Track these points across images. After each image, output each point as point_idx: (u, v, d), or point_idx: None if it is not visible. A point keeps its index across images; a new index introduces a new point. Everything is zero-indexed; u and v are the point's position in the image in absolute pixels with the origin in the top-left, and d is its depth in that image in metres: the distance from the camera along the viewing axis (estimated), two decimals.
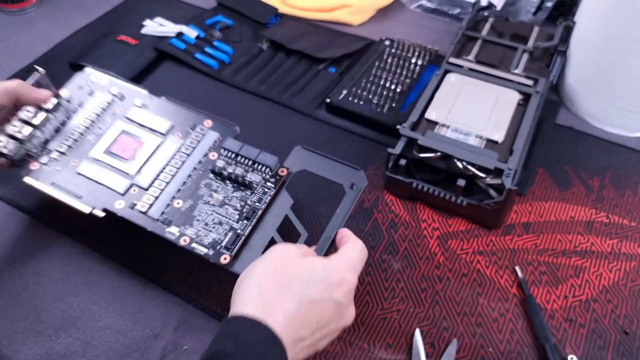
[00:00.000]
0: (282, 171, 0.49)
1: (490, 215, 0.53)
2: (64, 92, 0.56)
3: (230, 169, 0.49)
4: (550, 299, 0.50)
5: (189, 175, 0.50)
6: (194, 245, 0.46)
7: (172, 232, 0.47)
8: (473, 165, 0.53)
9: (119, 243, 0.55)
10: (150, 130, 0.53)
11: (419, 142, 0.54)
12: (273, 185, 0.48)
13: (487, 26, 0.70)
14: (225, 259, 0.45)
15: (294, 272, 0.38)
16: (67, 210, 0.57)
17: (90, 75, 0.57)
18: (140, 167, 0.51)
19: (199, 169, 0.50)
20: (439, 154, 0.54)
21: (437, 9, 0.85)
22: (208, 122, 0.52)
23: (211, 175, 0.50)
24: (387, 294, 0.51)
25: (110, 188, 0.50)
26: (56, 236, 0.56)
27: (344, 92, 0.68)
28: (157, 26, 0.79)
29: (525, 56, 0.65)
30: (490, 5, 0.73)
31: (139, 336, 0.48)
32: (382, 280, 0.52)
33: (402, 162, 0.55)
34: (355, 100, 0.67)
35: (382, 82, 0.69)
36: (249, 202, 0.48)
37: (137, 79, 0.71)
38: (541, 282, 0.51)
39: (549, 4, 0.79)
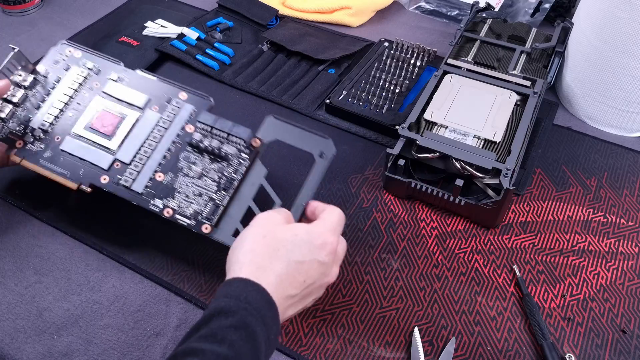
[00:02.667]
0: (256, 142, 0.50)
1: (488, 214, 0.54)
2: (40, 67, 0.56)
3: (206, 142, 0.50)
4: (548, 297, 0.50)
5: (169, 149, 0.51)
6: (177, 216, 0.49)
7: (156, 204, 0.49)
8: (471, 165, 0.53)
9: (120, 242, 0.55)
10: (128, 105, 0.53)
11: (417, 142, 0.55)
12: (248, 157, 0.50)
13: (485, 27, 0.71)
14: (206, 228, 0.48)
15: (280, 238, 0.42)
16: (68, 209, 0.58)
17: (65, 49, 0.57)
18: (121, 142, 0.52)
19: (177, 142, 0.51)
20: (437, 154, 0.54)
21: (436, 10, 0.86)
22: (183, 95, 0.53)
23: (189, 148, 0.51)
24: (386, 293, 0.51)
25: (94, 164, 0.52)
26: (58, 235, 0.56)
27: (344, 93, 0.68)
28: (158, 28, 0.79)
29: (523, 57, 0.65)
30: (488, 7, 0.73)
31: (141, 335, 0.48)
32: (381, 279, 0.52)
33: (401, 162, 0.56)
34: (355, 101, 0.67)
35: (381, 83, 0.69)
36: (225, 173, 0.50)
37: None
38: (539, 281, 0.51)
39: (547, 6, 0.80)
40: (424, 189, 0.55)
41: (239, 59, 0.76)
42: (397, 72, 0.71)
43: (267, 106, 0.69)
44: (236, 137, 0.50)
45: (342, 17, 0.82)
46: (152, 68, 0.74)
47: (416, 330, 0.48)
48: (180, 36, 0.78)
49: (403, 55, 0.73)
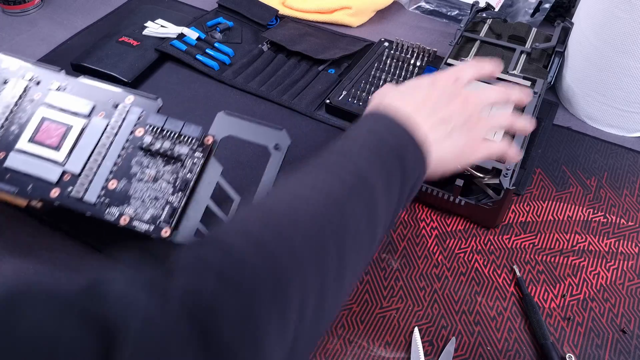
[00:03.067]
0: (208, 140, 0.50)
1: (488, 214, 0.54)
2: None
3: (158, 144, 0.49)
4: (548, 297, 0.50)
5: (119, 155, 0.50)
6: (134, 223, 0.48)
7: (111, 213, 0.48)
8: (471, 165, 0.53)
9: (120, 242, 0.55)
10: (73, 114, 0.52)
11: None
12: (201, 155, 0.49)
13: (485, 27, 0.71)
14: (165, 232, 0.47)
15: (405, 86, 0.46)
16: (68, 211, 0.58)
17: (1, 62, 0.55)
18: (69, 153, 0.50)
19: (128, 148, 0.50)
20: None
21: (436, 10, 0.86)
22: (130, 98, 0.52)
23: (140, 152, 0.50)
24: (386, 293, 0.51)
25: (42, 178, 0.50)
26: (58, 235, 0.56)
27: (344, 93, 0.68)
28: (158, 28, 0.79)
29: (523, 57, 0.65)
30: (488, 7, 0.73)
31: None
32: (381, 279, 0.52)
33: None
34: (355, 101, 0.67)
35: (381, 83, 0.69)
36: (180, 174, 0.49)
37: (138, 80, 0.72)
38: (539, 281, 0.51)
39: (547, 6, 0.80)
40: (423, 189, 0.55)
41: (239, 59, 0.76)
42: (397, 72, 0.71)
43: (267, 106, 0.69)
44: (188, 136, 0.50)
45: (342, 17, 0.82)
46: (152, 68, 0.74)
47: (416, 330, 0.48)
48: (180, 36, 0.78)
49: (403, 55, 0.73)
